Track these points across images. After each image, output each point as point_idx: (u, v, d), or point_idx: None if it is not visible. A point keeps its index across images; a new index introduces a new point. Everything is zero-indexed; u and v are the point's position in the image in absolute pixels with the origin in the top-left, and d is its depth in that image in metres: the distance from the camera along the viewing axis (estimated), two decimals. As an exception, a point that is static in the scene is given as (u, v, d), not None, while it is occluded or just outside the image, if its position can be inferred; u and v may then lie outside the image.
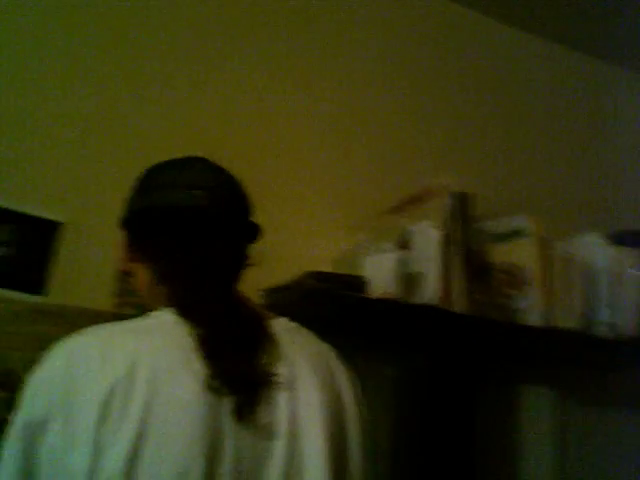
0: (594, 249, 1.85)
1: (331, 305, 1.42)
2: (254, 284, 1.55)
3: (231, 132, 1.73)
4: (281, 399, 0.89)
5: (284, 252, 1.70)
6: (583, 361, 1.84)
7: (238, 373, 0.86)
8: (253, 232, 1.09)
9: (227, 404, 0.84)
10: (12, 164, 1.46)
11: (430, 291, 1.53)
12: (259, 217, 1.62)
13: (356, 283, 1.48)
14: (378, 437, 1.57)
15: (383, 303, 1.46)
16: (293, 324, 1.03)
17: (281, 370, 0.91)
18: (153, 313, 0.94)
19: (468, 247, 1.62)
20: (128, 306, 1.41)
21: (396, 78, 1.99)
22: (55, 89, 1.54)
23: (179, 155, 1.06)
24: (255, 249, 1.11)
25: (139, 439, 0.79)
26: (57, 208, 1.47)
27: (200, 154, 1.09)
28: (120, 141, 1.57)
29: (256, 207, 1.57)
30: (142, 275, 1.01)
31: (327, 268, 1.69)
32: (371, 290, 1.49)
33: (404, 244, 1.57)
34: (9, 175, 1.46)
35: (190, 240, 0.96)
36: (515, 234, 1.79)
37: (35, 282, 1.42)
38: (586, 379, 1.92)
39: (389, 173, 1.90)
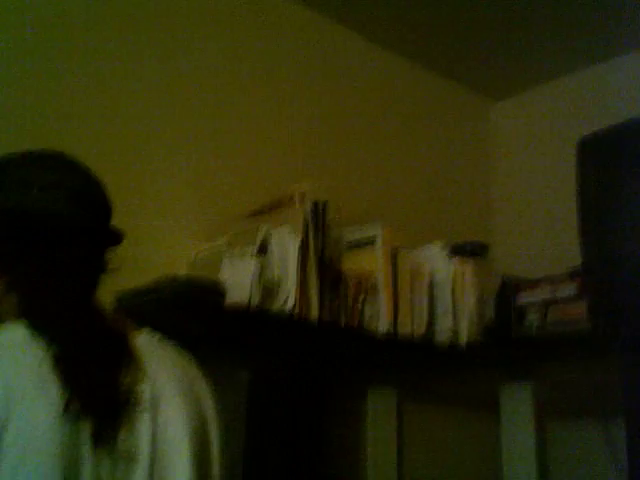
0: (437, 259, 1.96)
1: (187, 310, 1.42)
2: (108, 287, 1.53)
3: (85, 127, 1.66)
4: (143, 420, 0.85)
5: (140, 254, 1.66)
6: (426, 365, 1.96)
7: (97, 395, 0.81)
8: (114, 237, 1.02)
9: (86, 429, 0.80)
10: None
11: (287, 297, 1.57)
12: (115, 217, 1.60)
13: (214, 288, 1.47)
14: (230, 441, 1.59)
15: (238, 310, 1.46)
16: (155, 336, 1.00)
17: (143, 388, 0.87)
18: (2, 326, 0.86)
19: (324, 254, 1.67)
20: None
21: (258, 82, 2.00)
22: None
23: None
24: (114, 253, 1.06)
25: None
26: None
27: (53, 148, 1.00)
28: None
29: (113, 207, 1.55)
30: None
31: (184, 271, 1.68)
32: (229, 295, 1.50)
33: (262, 249, 1.59)
34: None
35: (43, 246, 0.89)
36: (367, 242, 1.86)
37: None
38: (428, 381, 2.05)
39: (250, 177, 1.90)
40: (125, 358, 0.89)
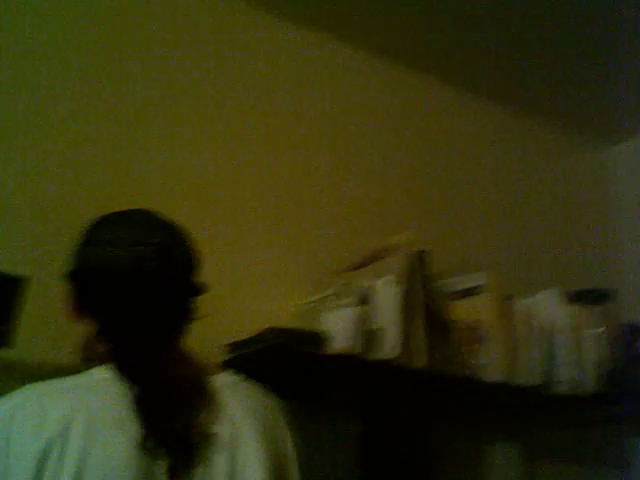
0: (553, 307, 1.89)
1: (290, 361, 1.45)
2: (216, 338, 1.60)
3: (186, 186, 1.77)
4: (220, 459, 0.89)
5: (246, 306, 1.73)
6: (544, 418, 1.86)
7: (173, 434, 0.86)
8: (196, 289, 1.08)
9: (161, 466, 0.84)
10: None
11: (390, 347, 1.56)
12: (222, 272, 1.68)
13: (315, 339, 1.50)
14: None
15: (341, 359, 1.47)
16: (236, 378, 1.04)
17: (220, 429, 0.91)
18: (91, 370, 0.94)
19: (427, 303, 1.66)
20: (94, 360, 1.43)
21: (353, 134, 2.05)
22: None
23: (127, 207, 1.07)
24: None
25: None
26: (22, 263, 1.50)
27: (148, 206, 1.08)
28: (80, 197, 1.60)
29: (218, 262, 1.63)
30: (86, 329, 1.02)
31: (289, 323, 1.72)
32: (330, 346, 1.51)
33: (364, 300, 1.61)
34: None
35: (128, 298, 0.97)
36: (473, 291, 1.83)
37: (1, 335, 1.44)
38: (550, 435, 1.94)
39: (350, 229, 1.94)
40: (203, 400, 0.93)
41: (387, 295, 1.60)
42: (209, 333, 1.63)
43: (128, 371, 0.90)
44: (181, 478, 0.85)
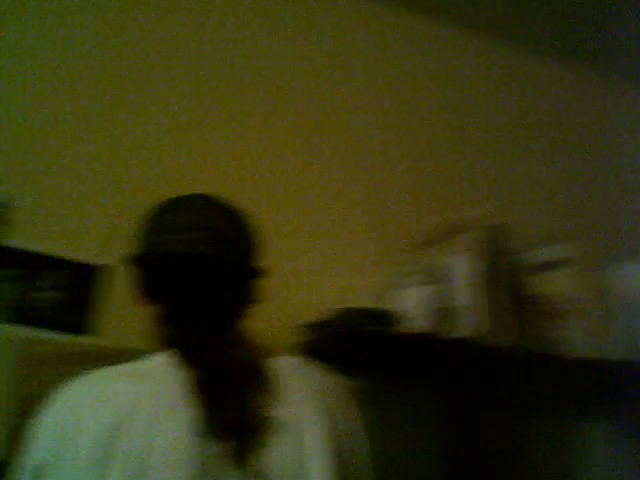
0: (636, 277, 1.78)
1: (364, 341, 1.42)
2: (290, 320, 1.59)
3: (259, 170, 1.77)
4: (282, 442, 0.88)
5: (320, 287, 1.72)
6: (632, 393, 1.77)
7: (232, 418, 0.86)
8: (254, 271, 1.07)
9: (221, 450, 0.84)
10: (55, 215, 1.54)
11: (468, 325, 1.51)
12: (296, 254, 1.68)
13: (388, 318, 1.47)
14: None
15: (416, 338, 1.44)
16: (299, 360, 1.03)
17: (281, 412, 0.90)
18: (151, 355, 0.95)
19: (509, 278, 1.59)
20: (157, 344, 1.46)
21: (427, 110, 2.00)
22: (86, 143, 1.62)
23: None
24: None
25: None
26: (97, 251, 1.54)
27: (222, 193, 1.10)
28: (153, 185, 1.62)
29: (291, 244, 1.62)
30: (151, 314, 1.03)
31: (364, 303, 1.69)
32: (405, 325, 1.48)
33: (440, 277, 1.56)
34: (53, 225, 1.53)
35: (186, 282, 0.97)
36: (557, 263, 1.75)
37: (78, 323, 1.48)
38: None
39: (424, 204, 1.89)
40: (263, 383, 0.92)
41: (466, 271, 1.55)
42: (283, 315, 1.65)
43: (187, 356, 0.91)
44: (242, 462, 0.85)
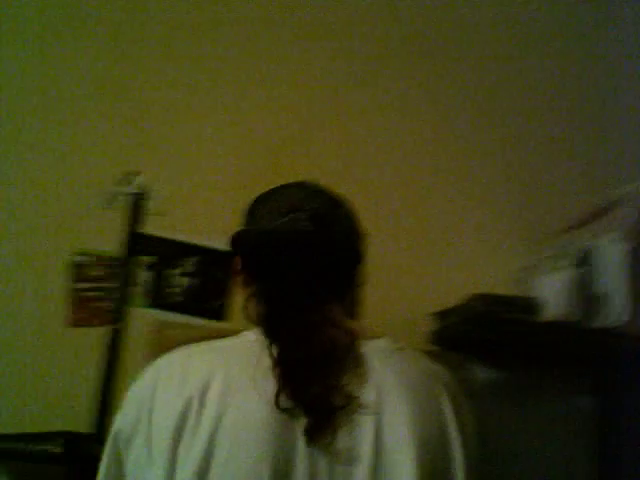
0: None
1: (497, 328, 1.34)
2: (426, 307, 1.54)
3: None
4: (364, 423, 0.84)
5: (459, 272, 1.65)
6: None
7: (311, 394, 0.84)
8: (356, 256, 1.03)
9: (300, 426, 0.82)
10: (192, 206, 1.59)
11: (617, 313, 1.38)
12: (433, 238, 1.62)
13: (526, 305, 1.37)
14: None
15: (555, 326, 1.33)
16: (392, 345, 0.96)
17: (366, 394, 0.86)
18: (243, 332, 0.95)
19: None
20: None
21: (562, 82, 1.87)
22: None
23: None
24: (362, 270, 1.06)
25: (207, 457, 0.80)
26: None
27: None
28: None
29: (431, 230, 1.59)
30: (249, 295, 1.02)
31: (503, 289, 1.60)
32: (545, 312, 1.38)
33: (584, 261, 1.44)
34: (191, 215, 1.58)
35: (284, 262, 0.95)
36: None
37: (217, 309, 1.51)
38: None
39: (569, 184, 1.75)
40: (349, 364, 0.88)
41: (613, 255, 1.42)
42: (418, 302, 1.60)
43: (272, 334, 0.89)
44: (320, 439, 0.82)
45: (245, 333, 0.95)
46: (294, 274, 0.94)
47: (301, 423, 0.83)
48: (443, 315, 1.50)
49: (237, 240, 1.01)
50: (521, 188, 1.75)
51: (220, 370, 0.86)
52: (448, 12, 1.84)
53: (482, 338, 1.39)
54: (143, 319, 1.48)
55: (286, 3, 1.77)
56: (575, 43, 1.88)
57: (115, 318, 1.47)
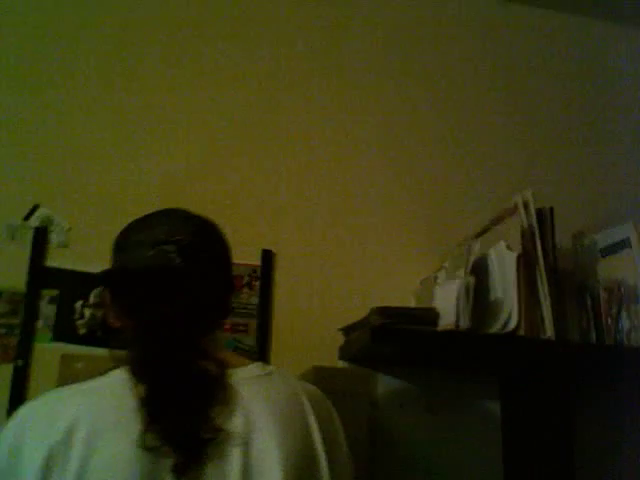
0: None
1: (392, 341, 1.37)
2: (338, 322, 1.57)
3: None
4: (234, 455, 0.85)
5: (369, 286, 1.68)
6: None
7: (179, 431, 0.83)
8: (227, 284, 1.05)
9: (168, 464, 0.82)
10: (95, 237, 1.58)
11: (508, 318, 1.42)
12: (348, 253, 1.66)
13: (422, 316, 1.41)
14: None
15: (443, 336, 1.37)
16: (263, 370, 0.97)
17: (234, 424, 0.87)
18: (112, 372, 0.93)
19: (552, 266, 1.48)
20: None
21: (462, 90, 1.92)
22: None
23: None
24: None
25: None
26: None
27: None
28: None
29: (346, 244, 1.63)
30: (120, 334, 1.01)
31: (404, 301, 1.64)
32: (441, 322, 1.41)
33: (477, 270, 1.48)
34: (95, 245, 1.57)
35: (154, 297, 0.94)
36: (618, 247, 1.62)
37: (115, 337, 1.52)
38: None
39: (474, 195, 1.81)
40: (218, 395, 0.89)
41: (502, 262, 1.46)
42: (329, 317, 1.63)
43: (138, 372, 0.89)
44: (189, 475, 0.82)
45: (116, 371, 0.93)
46: (163, 310, 0.93)
47: (170, 460, 0.82)
48: (347, 330, 1.54)
49: (104, 279, 1.01)
50: (428, 199, 1.80)
51: (86, 413, 0.85)
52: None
53: (379, 351, 1.42)
54: (49, 353, 1.48)
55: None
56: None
57: (19, 354, 1.48)
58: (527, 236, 1.48)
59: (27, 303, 1.50)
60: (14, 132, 1.63)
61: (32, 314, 1.50)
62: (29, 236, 1.54)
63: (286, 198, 1.72)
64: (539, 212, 1.52)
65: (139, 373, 0.88)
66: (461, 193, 1.81)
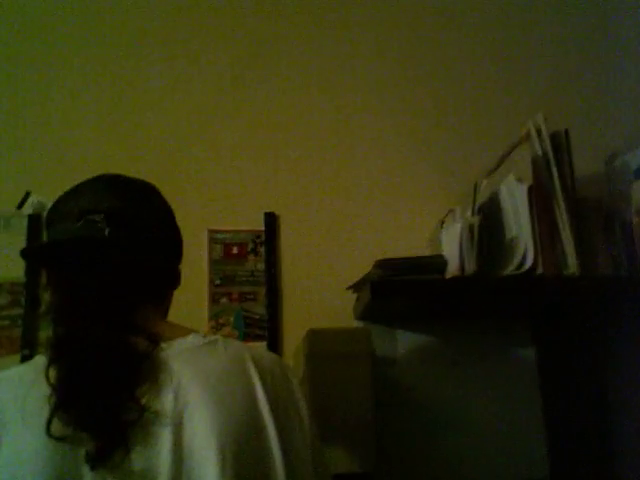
0: None
1: (394, 295, 1.26)
2: (351, 280, 1.48)
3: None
4: (162, 436, 0.77)
5: (377, 240, 1.59)
6: None
7: (94, 415, 0.76)
8: (170, 249, 0.97)
9: (80, 453, 0.75)
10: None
11: (524, 257, 1.29)
12: (345, 206, 1.56)
13: (428, 264, 1.30)
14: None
15: (457, 282, 1.26)
16: (202, 341, 0.88)
17: (163, 403, 0.79)
18: (36, 356, 0.86)
19: (571, 195, 1.34)
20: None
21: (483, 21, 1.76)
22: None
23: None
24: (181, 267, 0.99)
25: None
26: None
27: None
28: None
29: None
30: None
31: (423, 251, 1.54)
32: (449, 268, 1.30)
33: (488, 209, 1.36)
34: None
35: (78, 273, 0.87)
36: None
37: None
38: None
39: (484, 129, 1.68)
40: (145, 374, 0.81)
41: (513, 198, 1.33)
42: (340, 277, 1.54)
43: (55, 356, 0.80)
44: (109, 461, 0.74)
45: (37, 357, 0.86)
46: (83, 283, 0.86)
47: (84, 450, 0.75)
48: (355, 288, 1.44)
49: (27, 255, 0.95)
50: (436, 142, 1.69)
51: (12, 403, 0.79)
52: None
53: (385, 307, 1.33)
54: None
55: None
56: None
57: (25, 344, 1.46)
58: (539, 164, 1.34)
59: (28, 292, 1.48)
60: (4, 121, 1.61)
61: (34, 303, 1.48)
62: (23, 224, 1.52)
63: (286, 155, 1.64)
64: (553, 137, 1.37)
65: (53, 355, 0.81)
66: (471, 131, 1.68)
